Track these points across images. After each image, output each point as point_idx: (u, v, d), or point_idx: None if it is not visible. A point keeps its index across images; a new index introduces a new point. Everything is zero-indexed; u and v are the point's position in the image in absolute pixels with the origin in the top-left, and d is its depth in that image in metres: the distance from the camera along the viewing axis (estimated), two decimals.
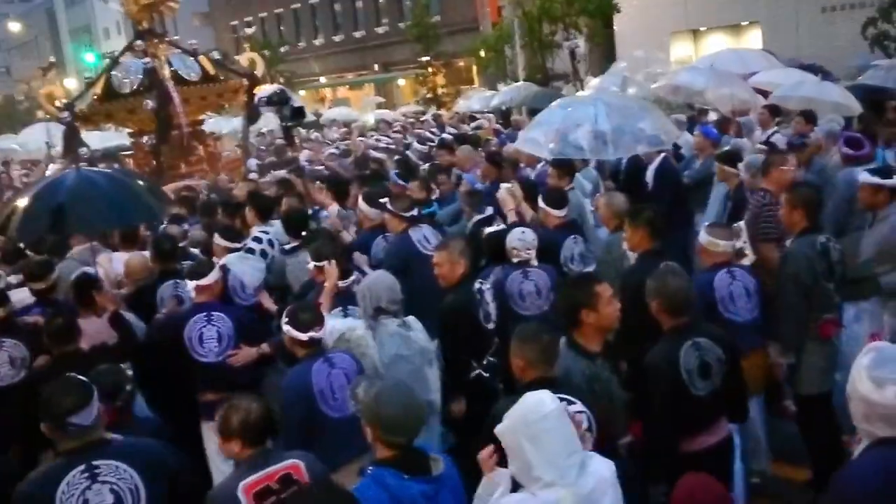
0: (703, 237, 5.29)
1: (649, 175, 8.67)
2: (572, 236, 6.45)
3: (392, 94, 40.57)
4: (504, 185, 7.11)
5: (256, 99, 12.83)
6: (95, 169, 6.26)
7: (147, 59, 11.68)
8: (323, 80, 46.27)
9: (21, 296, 6.14)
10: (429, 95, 33.75)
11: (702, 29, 27.28)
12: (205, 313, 5.51)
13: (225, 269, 6.05)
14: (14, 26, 72.85)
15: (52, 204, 5.61)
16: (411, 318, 5.04)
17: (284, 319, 4.56)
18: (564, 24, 25.16)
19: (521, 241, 5.72)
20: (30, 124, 28.28)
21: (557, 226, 6.48)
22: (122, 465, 3.42)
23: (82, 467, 3.37)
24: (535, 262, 5.77)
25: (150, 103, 11.21)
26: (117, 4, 13.25)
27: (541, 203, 6.63)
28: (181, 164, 12.15)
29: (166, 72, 11.49)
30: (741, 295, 5.08)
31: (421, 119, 21.08)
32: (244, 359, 5.42)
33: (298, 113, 14.50)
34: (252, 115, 13.36)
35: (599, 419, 3.75)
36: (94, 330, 5.39)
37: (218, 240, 6.62)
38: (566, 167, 8.04)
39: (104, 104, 12.35)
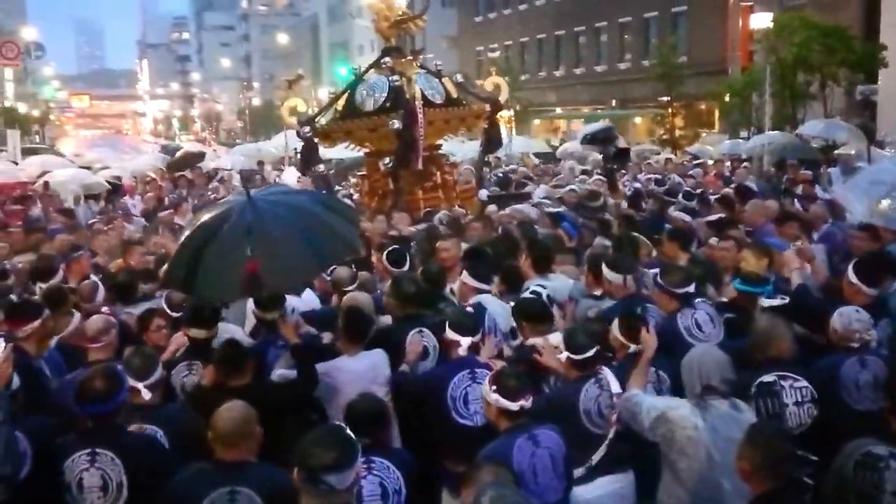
0: None
1: None
2: (884, 320, 5.32)
3: (626, 131, 39.99)
4: (795, 244, 6.28)
5: (580, 134, 11.92)
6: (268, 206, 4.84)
7: (395, 77, 11.01)
8: (558, 110, 46.46)
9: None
10: (665, 136, 32.91)
11: None
12: (469, 370, 4.86)
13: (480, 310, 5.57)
14: (282, 38, 79.44)
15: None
16: (738, 400, 4.33)
17: (491, 386, 4.15)
18: (822, 75, 23.73)
19: (861, 321, 4.79)
20: (285, 129, 30.40)
21: (864, 304, 5.21)
22: None
23: None
24: (874, 345, 4.87)
25: (395, 123, 10.58)
26: (369, 21, 12.91)
27: (851, 276, 5.48)
28: (418, 191, 11.30)
29: (417, 91, 10.76)
30: None
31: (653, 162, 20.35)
32: None
33: (623, 154, 13.25)
34: (491, 144, 12.49)
35: None
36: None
37: (466, 278, 6.03)
38: (875, 230, 7.05)
39: (345, 121, 11.68)
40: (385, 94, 11.14)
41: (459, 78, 12.58)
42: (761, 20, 25.64)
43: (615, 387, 4.50)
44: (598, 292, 6.01)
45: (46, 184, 18.20)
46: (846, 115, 23.86)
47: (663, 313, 5.51)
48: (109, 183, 19.02)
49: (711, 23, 34.98)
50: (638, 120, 40.50)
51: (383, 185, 11.53)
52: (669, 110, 33.69)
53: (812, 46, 22.91)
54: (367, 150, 12.51)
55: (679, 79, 32.67)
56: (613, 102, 42.01)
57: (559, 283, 6.32)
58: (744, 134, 25.73)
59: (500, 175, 16.51)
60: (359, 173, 13.94)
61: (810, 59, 23.10)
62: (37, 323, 5.22)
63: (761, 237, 7.69)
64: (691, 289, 5.45)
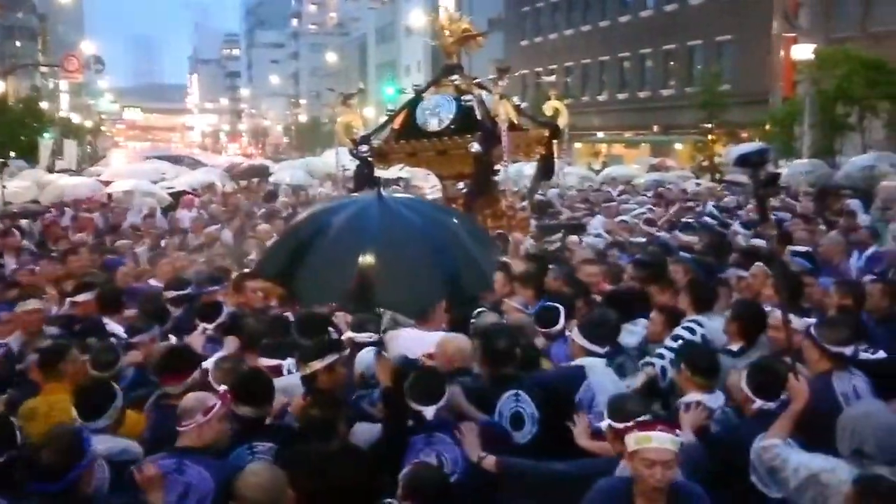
0: None
1: None
2: None
3: (668, 157, 40.65)
4: None
5: (731, 155, 11.26)
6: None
7: (467, 97, 10.28)
8: (600, 134, 47.22)
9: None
10: (705, 163, 33.56)
11: None
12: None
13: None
14: (331, 56, 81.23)
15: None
16: None
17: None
18: (861, 107, 24.29)
19: None
20: (330, 147, 31.35)
21: None
22: None
23: None
24: None
25: (475, 145, 9.82)
26: (427, 38, 12.63)
27: None
28: (487, 218, 10.49)
29: (503, 112, 9.97)
30: None
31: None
32: None
33: (773, 180, 12.53)
34: (547, 170, 11.62)
35: None
36: None
37: (577, 336, 5.10)
38: None
39: (408, 141, 10.69)
40: (452, 115, 10.46)
41: (516, 100, 11.75)
42: (803, 51, 26.22)
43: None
44: (735, 347, 5.24)
45: (109, 195, 18.47)
46: (884, 148, 24.40)
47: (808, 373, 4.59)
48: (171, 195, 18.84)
49: (756, 52, 35.59)
50: (679, 146, 41.17)
51: None
52: (710, 137, 34.34)
53: (854, 79, 23.50)
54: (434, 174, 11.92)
55: (722, 107, 33.33)
56: (655, 128, 42.71)
57: (718, 324, 5.51)
58: (783, 162, 26.34)
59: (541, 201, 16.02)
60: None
61: (851, 91, 23.67)
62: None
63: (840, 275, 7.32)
64: (849, 351, 4.61)
